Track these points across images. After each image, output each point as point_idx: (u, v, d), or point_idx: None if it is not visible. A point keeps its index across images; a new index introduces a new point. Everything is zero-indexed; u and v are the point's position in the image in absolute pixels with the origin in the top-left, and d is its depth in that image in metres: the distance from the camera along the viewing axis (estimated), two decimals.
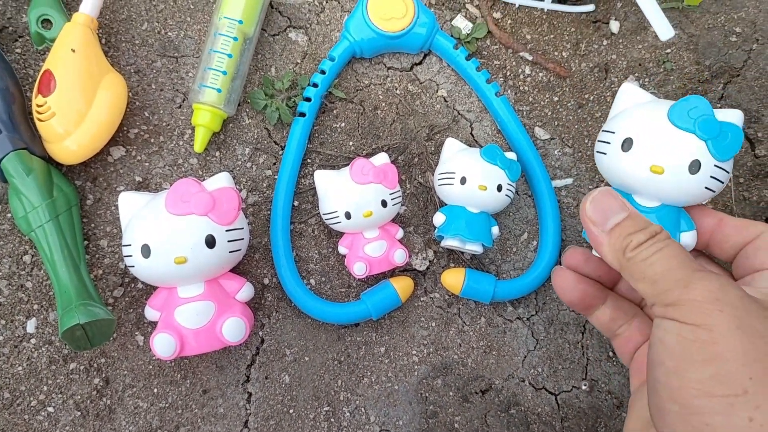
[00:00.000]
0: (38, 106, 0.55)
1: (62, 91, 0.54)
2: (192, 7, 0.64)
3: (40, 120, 0.55)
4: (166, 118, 0.62)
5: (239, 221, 0.53)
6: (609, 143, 0.45)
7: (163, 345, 0.51)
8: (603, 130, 0.46)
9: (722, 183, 0.43)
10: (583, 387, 0.63)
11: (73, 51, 0.56)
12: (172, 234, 0.50)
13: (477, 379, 0.63)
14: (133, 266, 0.51)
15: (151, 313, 0.54)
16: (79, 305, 0.52)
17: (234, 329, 0.52)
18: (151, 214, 0.51)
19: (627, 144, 0.43)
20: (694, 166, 0.42)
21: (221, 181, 0.53)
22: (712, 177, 0.42)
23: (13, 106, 0.56)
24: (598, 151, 0.47)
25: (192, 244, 0.50)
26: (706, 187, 0.43)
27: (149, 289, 0.59)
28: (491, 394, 0.63)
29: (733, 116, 0.43)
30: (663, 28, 0.57)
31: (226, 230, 0.51)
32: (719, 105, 0.67)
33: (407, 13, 0.63)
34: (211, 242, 0.50)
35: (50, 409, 0.58)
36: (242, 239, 0.53)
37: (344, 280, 0.63)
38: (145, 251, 0.50)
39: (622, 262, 0.36)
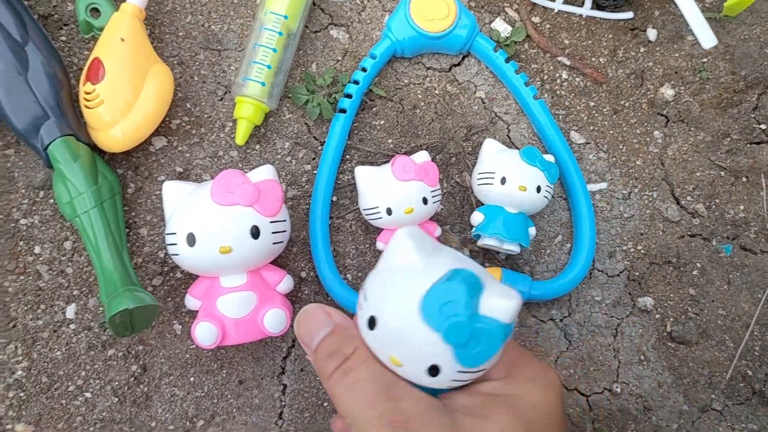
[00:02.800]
0: (86, 93, 0.55)
1: (111, 80, 0.55)
2: (236, 1, 0.65)
3: (88, 107, 0.55)
4: (207, 110, 0.63)
5: (282, 213, 0.53)
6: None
7: (204, 334, 0.51)
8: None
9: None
10: (615, 389, 0.64)
11: (122, 40, 0.56)
12: (217, 224, 0.50)
13: None
14: (177, 254, 0.52)
15: (191, 302, 0.55)
16: (125, 290, 0.52)
17: (275, 320, 0.53)
18: (197, 204, 0.51)
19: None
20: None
21: (265, 173, 0.53)
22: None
23: (62, 93, 0.57)
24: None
25: (237, 234, 0.50)
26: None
27: (188, 279, 0.60)
28: None
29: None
30: (706, 37, 0.58)
31: (270, 222, 0.52)
32: (753, 116, 0.68)
33: (449, 15, 0.64)
34: (255, 233, 0.51)
35: (87, 395, 0.58)
36: (285, 231, 0.54)
37: None
38: (191, 240, 0.50)
39: (327, 390, 0.33)
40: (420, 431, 0.31)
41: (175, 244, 0.51)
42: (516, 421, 0.33)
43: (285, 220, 0.54)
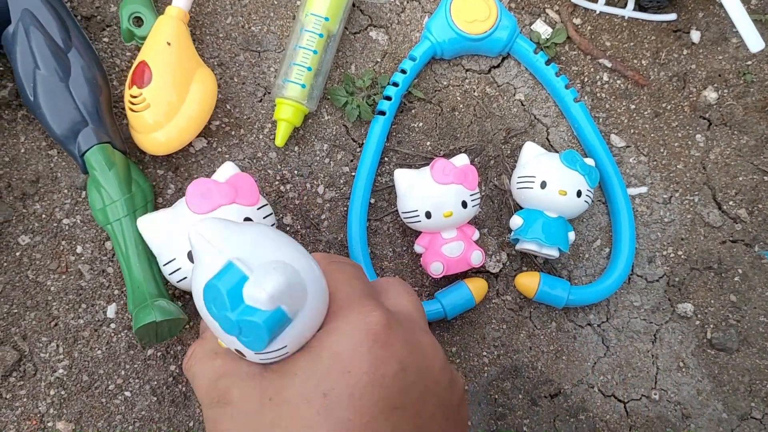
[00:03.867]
0: (132, 97, 0.56)
1: (157, 84, 0.55)
2: (275, 2, 0.65)
3: (133, 111, 0.56)
4: (247, 111, 0.63)
5: (261, 200, 0.55)
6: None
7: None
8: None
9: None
10: (653, 396, 0.63)
11: (169, 44, 0.57)
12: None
13: (546, 383, 0.63)
14: (177, 271, 0.53)
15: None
16: (153, 302, 0.52)
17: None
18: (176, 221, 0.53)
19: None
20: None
21: (228, 169, 0.55)
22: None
23: (101, 98, 0.57)
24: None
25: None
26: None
27: None
28: (560, 399, 0.63)
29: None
30: (754, 39, 0.57)
31: (257, 209, 0.53)
32: None
33: (490, 16, 0.63)
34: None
35: (127, 394, 0.58)
36: (271, 214, 0.56)
37: (417, 279, 0.63)
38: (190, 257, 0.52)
39: None
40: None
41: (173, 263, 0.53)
42: (309, 378, 0.33)
43: (266, 204, 0.56)
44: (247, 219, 0.52)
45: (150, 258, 0.56)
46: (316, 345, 0.34)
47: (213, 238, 0.33)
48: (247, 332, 0.32)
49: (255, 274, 0.31)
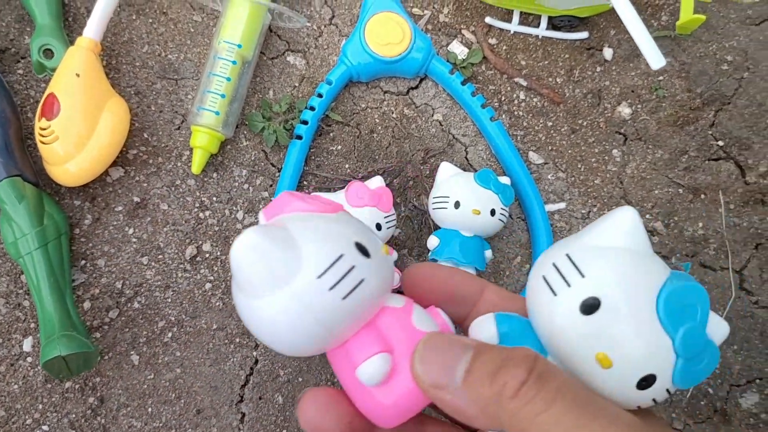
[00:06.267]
0: (42, 129, 0.56)
1: (66, 116, 0.55)
2: (192, 30, 0.65)
3: (43, 143, 0.56)
4: (165, 139, 0.63)
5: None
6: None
7: None
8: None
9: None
10: None
11: (78, 75, 0.57)
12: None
13: None
14: None
15: None
16: (61, 336, 0.52)
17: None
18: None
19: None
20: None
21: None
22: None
23: (10, 132, 0.57)
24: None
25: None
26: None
27: (144, 310, 0.60)
28: None
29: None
30: (654, 57, 0.58)
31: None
32: (710, 132, 0.68)
33: (404, 39, 0.64)
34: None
35: (45, 428, 0.58)
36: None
37: None
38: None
39: (505, 418, 0.23)
40: None
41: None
42: None
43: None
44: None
45: (62, 290, 0.56)
46: None
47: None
48: (704, 357, 0.26)
49: None
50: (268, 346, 0.27)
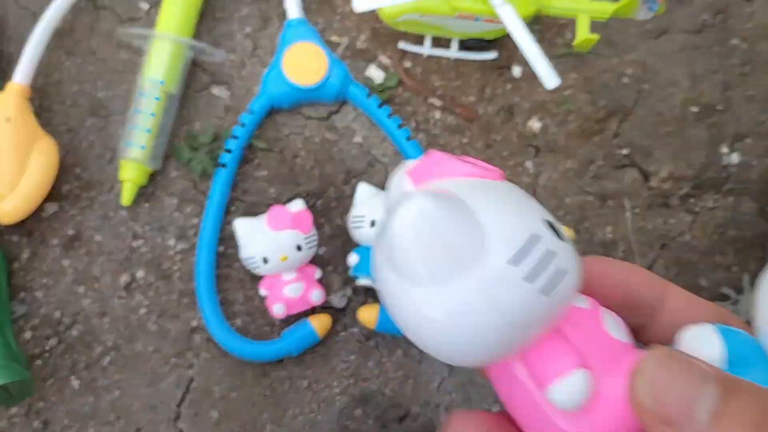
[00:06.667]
0: None
1: None
2: (120, 68, 0.69)
3: None
4: (96, 173, 0.67)
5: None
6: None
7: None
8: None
9: None
10: (495, 409, 0.68)
11: (8, 120, 0.60)
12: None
13: (395, 407, 0.67)
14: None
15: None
16: (2, 366, 0.56)
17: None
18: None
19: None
20: None
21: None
22: None
23: None
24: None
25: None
26: None
27: (83, 337, 0.64)
28: (408, 421, 0.67)
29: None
30: (548, 77, 0.62)
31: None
32: (614, 142, 0.72)
33: (321, 67, 0.68)
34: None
35: None
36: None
37: (268, 319, 0.67)
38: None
39: None
40: None
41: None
42: None
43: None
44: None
45: (3, 322, 0.59)
46: None
47: None
48: None
49: None
50: (422, 349, 0.21)
